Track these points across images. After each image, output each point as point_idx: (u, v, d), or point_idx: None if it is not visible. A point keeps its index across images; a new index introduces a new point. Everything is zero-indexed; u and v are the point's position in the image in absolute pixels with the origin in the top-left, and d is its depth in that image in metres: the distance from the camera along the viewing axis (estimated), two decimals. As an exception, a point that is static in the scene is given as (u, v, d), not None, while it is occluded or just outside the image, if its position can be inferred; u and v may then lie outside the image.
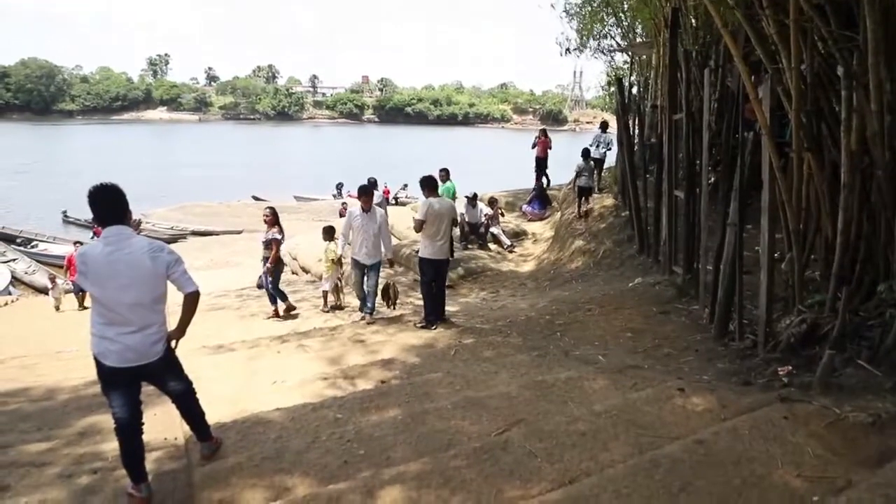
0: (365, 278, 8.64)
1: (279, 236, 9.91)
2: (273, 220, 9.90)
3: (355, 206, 8.58)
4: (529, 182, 18.70)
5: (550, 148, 18.10)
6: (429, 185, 7.90)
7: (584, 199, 13.77)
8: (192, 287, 3.80)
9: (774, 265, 5.65)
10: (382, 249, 8.58)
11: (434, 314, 7.86)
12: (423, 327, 7.74)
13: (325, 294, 10.55)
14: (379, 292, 8.76)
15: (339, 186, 35.78)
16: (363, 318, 8.59)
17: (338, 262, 10.13)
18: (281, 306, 10.30)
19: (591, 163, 14.22)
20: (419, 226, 7.77)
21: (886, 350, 4.47)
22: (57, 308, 14.02)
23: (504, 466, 3.58)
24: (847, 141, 4.91)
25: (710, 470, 3.32)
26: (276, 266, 9.96)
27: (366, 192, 8.43)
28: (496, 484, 3.42)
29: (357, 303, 9.44)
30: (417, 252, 8.41)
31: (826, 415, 3.81)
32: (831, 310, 5.07)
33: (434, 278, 7.96)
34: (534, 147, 17.79)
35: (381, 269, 8.85)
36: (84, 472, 4.15)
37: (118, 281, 3.55)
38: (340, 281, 10.66)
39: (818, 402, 4.02)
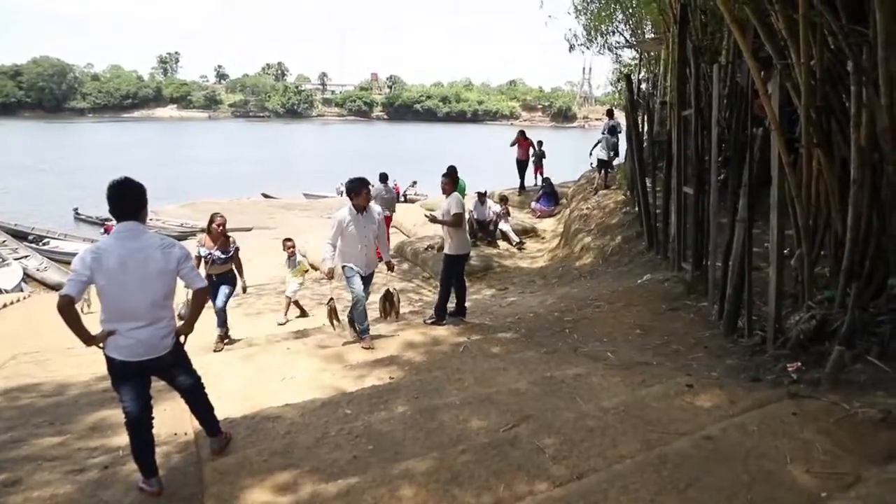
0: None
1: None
2: (225, 228, 8.10)
3: (343, 208, 7.06)
4: (530, 180, 18.90)
5: (534, 149, 18.44)
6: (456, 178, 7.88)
7: (603, 171, 15.40)
8: (200, 283, 3.85)
9: (784, 261, 5.63)
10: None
11: (445, 311, 7.84)
12: (433, 323, 7.73)
13: (288, 301, 10.14)
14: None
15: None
16: (361, 342, 6.96)
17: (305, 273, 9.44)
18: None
19: (616, 139, 15.83)
20: (460, 220, 7.55)
21: (896, 346, 4.45)
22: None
23: (512, 462, 3.59)
24: (857, 136, 4.89)
25: (718, 466, 3.31)
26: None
27: (363, 186, 6.90)
28: (505, 479, 3.43)
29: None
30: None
31: (835, 411, 3.79)
32: (841, 306, 5.05)
33: (461, 273, 7.95)
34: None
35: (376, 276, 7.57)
36: (95, 467, 4.20)
37: (130, 276, 3.58)
38: (334, 301, 7.69)
39: (827, 398, 4.00)
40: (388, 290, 7.67)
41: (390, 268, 7.61)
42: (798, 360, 4.92)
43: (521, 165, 18.37)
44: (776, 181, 5.38)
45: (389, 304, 7.64)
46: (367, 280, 7.12)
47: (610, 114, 17.15)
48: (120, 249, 3.59)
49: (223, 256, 7.98)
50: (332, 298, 7.51)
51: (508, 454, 3.67)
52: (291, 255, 10.19)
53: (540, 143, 18.85)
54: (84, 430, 4.87)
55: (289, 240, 10.44)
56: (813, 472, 3.21)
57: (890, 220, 4.86)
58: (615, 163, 16.08)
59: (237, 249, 8.19)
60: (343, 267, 7.00)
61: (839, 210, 5.33)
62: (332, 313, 7.43)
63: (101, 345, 3.65)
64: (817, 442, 3.48)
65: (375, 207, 7.23)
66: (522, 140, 17.97)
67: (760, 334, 5.73)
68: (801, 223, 5.67)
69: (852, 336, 4.71)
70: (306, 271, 9.86)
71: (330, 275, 7.15)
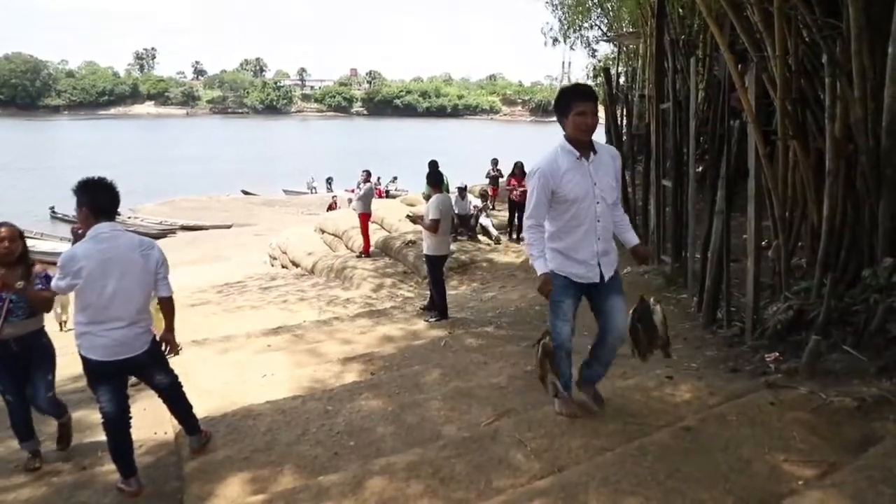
0: (595, 311, 4.21)
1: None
2: (20, 247, 4.12)
3: (555, 153, 3.64)
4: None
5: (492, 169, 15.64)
6: (436, 180, 7.88)
7: None
8: (167, 292, 3.87)
9: (761, 253, 5.69)
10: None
11: (446, 307, 7.90)
12: (438, 320, 7.74)
13: None
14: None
15: (329, 181, 35.67)
16: (557, 399, 4.05)
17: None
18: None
19: None
20: (435, 225, 7.53)
21: (870, 335, 4.51)
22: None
23: (493, 456, 3.59)
24: (831, 128, 4.93)
25: (697, 456, 3.34)
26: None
27: (577, 95, 3.59)
28: (485, 473, 3.43)
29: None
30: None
31: (812, 400, 3.84)
32: (817, 296, 5.10)
33: (441, 273, 8.01)
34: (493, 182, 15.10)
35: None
36: (72, 468, 4.15)
37: (111, 277, 3.54)
38: (549, 340, 4.11)
39: (804, 387, 4.05)
40: (642, 298, 4.27)
41: (643, 258, 4.30)
42: (776, 351, 4.97)
43: (517, 208, 13.33)
44: (753, 173, 5.42)
45: (648, 328, 4.19)
46: (603, 294, 4.04)
47: None
48: (101, 252, 3.54)
49: (21, 303, 4.04)
50: (547, 332, 4.09)
51: (489, 448, 3.67)
52: None
53: (495, 161, 16.14)
54: (61, 431, 4.79)
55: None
56: (790, 461, 3.25)
57: (864, 211, 4.92)
58: None
59: (47, 282, 4.06)
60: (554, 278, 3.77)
61: (815, 201, 5.39)
62: (548, 359, 4.05)
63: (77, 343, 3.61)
64: (794, 431, 3.51)
65: (609, 148, 3.94)
66: (517, 180, 13.10)
67: (739, 325, 5.78)
68: (778, 215, 5.72)
69: (828, 326, 4.76)
70: None
71: (548, 287, 3.77)
